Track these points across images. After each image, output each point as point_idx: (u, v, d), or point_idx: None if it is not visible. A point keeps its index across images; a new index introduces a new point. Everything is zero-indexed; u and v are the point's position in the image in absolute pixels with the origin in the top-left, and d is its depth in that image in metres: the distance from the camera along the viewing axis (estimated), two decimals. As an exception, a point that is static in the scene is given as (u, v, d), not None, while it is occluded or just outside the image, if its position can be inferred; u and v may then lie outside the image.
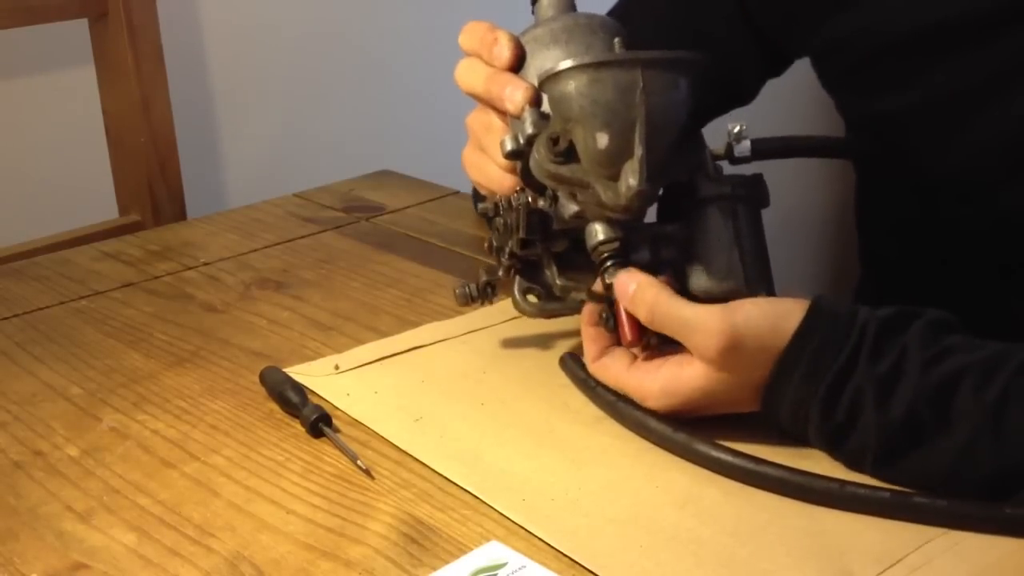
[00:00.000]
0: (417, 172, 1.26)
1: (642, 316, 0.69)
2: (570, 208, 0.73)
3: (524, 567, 0.59)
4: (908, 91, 0.81)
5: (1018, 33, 0.76)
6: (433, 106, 1.57)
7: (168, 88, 1.23)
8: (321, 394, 0.77)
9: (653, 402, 0.70)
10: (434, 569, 0.60)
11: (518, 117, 0.73)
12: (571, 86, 0.69)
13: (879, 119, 0.85)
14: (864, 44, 0.83)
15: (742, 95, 0.98)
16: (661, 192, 0.73)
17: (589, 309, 0.74)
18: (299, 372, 0.80)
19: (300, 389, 0.76)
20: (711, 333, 0.66)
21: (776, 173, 0.79)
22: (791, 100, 1.42)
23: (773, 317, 0.67)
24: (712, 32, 0.93)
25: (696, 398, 0.68)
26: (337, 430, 0.73)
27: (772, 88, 0.99)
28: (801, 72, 0.94)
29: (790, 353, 0.66)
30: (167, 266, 1.02)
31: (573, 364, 0.77)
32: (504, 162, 0.75)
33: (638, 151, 0.68)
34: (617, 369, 0.72)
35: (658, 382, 0.69)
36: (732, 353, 0.66)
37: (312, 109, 1.51)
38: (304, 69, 1.49)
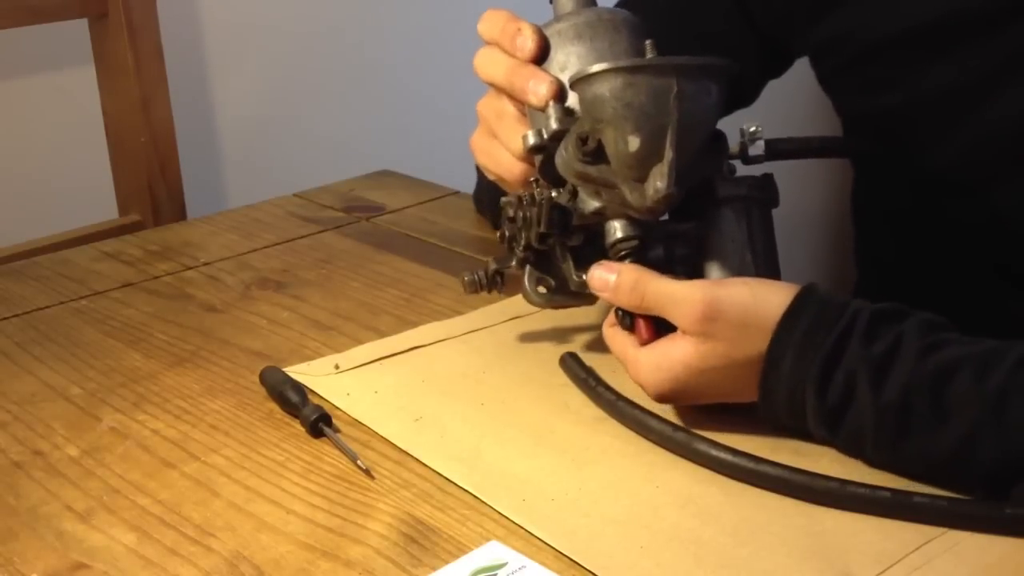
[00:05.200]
0: (417, 172, 1.26)
1: (628, 300, 0.70)
2: (591, 204, 0.73)
3: (524, 567, 0.59)
4: (904, 88, 0.82)
5: (1013, 30, 0.76)
6: (433, 106, 1.57)
7: (168, 88, 1.23)
8: (321, 394, 0.77)
9: (644, 376, 0.70)
10: (434, 569, 0.60)
11: (541, 110, 0.73)
12: (604, 88, 0.69)
13: (876, 116, 0.85)
14: (861, 41, 0.83)
15: (744, 96, 0.98)
16: None
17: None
18: (299, 372, 0.80)
19: (300, 389, 0.76)
20: (692, 302, 0.67)
21: (778, 174, 0.79)
22: (791, 100, 1.42)
23: (760, 293, 0.68)
24: (712, 30, 0.93)
25: (685, 376, 0.68)
26: (337, 430, 0.73)
27: (772, 89, 0.99)
28: (801, 72, 0.94)
29: (779, 336, 0.66)
30: (167, 266, 1.02)
31: (573, 364, 0.77)
32: (517, 150, 0.75)
33: (668, 155, 0.68)
34: (624, 342, 0.73)
35: (651, 357, 0.70)
36: (712, 323, 0.67)
37: (312, 109, 1.51)
38: (304, 69, 1.49)
